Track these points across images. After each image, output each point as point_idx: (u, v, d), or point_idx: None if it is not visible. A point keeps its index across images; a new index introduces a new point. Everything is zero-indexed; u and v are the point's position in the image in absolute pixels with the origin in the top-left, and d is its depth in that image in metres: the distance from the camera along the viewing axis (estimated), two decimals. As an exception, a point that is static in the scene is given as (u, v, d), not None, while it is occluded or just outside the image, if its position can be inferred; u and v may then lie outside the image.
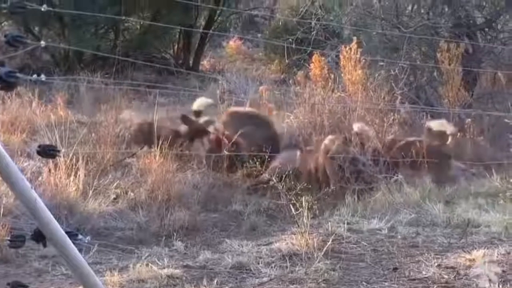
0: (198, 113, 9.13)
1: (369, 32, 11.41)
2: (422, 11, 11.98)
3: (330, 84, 9.60)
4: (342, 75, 9.75)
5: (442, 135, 8.38)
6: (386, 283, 5.34)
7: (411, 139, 8.41)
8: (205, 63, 18.02)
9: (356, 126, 8.32)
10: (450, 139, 8.36)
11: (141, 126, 9.15)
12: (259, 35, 20.41)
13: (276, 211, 7.44)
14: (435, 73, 10.79)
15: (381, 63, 10.49)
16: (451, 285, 5.24)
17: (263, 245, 6.17)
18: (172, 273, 5.39)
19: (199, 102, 9.26)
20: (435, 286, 5.22)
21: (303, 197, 6.23)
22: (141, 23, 16.45)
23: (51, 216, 3.41)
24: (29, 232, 3.50)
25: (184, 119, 9.00)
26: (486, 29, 11.92)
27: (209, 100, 9.48)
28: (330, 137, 8.30)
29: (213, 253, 5.95)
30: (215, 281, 5.29)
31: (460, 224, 6.57)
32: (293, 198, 6.47)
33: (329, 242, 5.88)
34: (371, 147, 8.17)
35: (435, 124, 8.58)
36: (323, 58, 10.17)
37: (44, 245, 3.49)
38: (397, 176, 7.84)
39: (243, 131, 8.64)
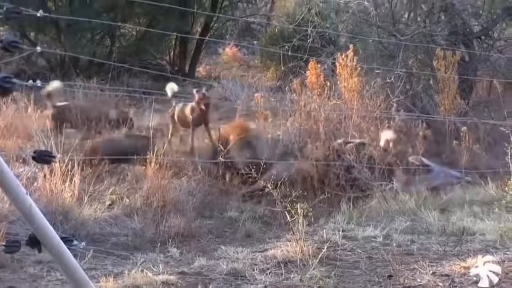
0: None
1: (365, 40, 11.44)
2: (419, 19, 12.01)
3: (326, 91, 9.62)
4: (338, 82, 9.78)
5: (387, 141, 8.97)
6: (381, 291, 5.35)
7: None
8: (201, 70, 18.03)
9: None
10: (390, 144, 8.78)
11: None
12: (255, 42, 20.43)
13: (271, 218, 7.44)
14: (431, 81, 10.81)
15: (377, 71, 10.51)
16: (446, 293, 5.26)
17: (258, 252, 6.17)
18: (167, 279, 5.38)
19: None
20: (430, 294, 5.24)
21: (299, 204, 6.22)
22: (137, 29, 16.46)
23: (46, 221, 3.41)
24: (25, 238, 3.49)
25: None
26: (483, 37, 11.95)
27: None
28: None
29: (208, 259, 5.95)
30: (210, 288, 5.30)
31: (455, 232, 6.58)
32: (288, 205, 6.46)
33: (324, 249, 5.89)
34: (367, 154, 8.20)
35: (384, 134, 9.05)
36: (319, 65, 10.20)
37: (39, 251, 3.49)
38: (392, 183, 7.86)
39: None
